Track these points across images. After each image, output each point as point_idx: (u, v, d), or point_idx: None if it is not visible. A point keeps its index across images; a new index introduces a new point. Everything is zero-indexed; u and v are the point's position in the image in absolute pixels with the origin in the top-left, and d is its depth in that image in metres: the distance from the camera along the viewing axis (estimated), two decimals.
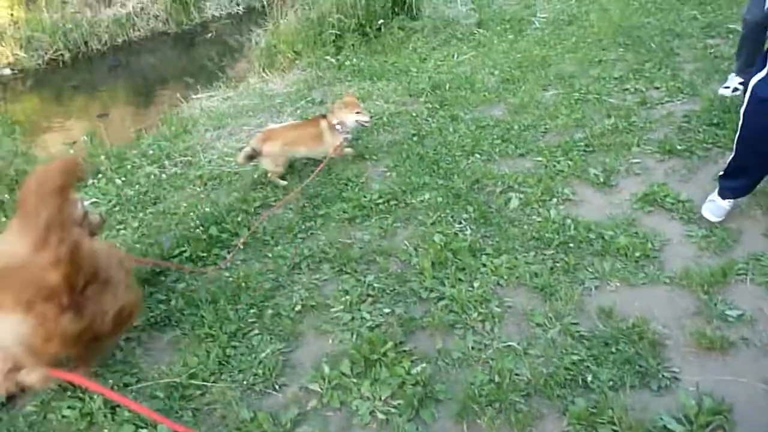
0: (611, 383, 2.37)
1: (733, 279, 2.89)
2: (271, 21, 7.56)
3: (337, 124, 4.12)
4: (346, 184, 4.00)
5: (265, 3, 9.96)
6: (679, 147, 3.98)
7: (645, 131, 4.27)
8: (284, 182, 4.10)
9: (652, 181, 3.70)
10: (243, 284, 3.11)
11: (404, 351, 2.62)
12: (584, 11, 7.27)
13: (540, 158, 4.06)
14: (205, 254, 3.43)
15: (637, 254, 3.07)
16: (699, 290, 2.83)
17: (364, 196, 3.81)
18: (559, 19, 7.09)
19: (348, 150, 4.37)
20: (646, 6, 7.21)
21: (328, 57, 6.50)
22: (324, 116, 4.21)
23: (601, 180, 3.74)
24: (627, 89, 4.94)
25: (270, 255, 3.36)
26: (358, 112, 4.16)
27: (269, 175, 4.11)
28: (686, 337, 2.59)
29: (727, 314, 2.68)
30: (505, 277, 3.01)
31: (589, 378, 2.40)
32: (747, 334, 2.58)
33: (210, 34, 10.35)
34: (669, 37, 6.03)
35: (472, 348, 2.62)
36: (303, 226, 3.60)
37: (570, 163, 3.92)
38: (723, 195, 3.28)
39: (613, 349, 2.53)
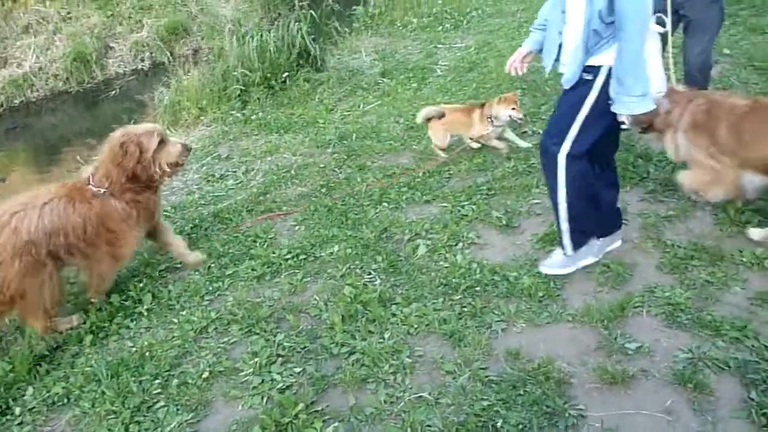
0: (520, 426, 2.40)
1: (630, 312, 3.01)
2: (174, 77, 7.48)
3: (491, 116, 4.55)
4: (254, 241, 3.96)
5: (168, 59, 9.86)
6: None
7: None
8: (444, 155, 4.83)
9: (551, 220, 3.83)
10: (147, 354, 3.00)
11: (316, 411, 2.58)
12: (483, 58, 7.55)
13: (445, 204, 4.14)
14: (106, 324, 3.30)
15: (541, 294, 3.16)
16: (599, 325, 2.93)
17: (273, 253, 3.78)
18: (459, 67, 7.34)
19: (497, 143, 4.70)
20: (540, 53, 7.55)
21: (233, 112, 6.49)
22: (482, 106, 4.67)
23: (504, 222, 3.85)
24: (525, 132, 5.14)
25: (176, 320, 3.27)
26: (513, 108, 4.52)
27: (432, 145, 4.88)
28: (590, 373, 2.67)
29: (626, 347, 2.78)
30: (416, 326, 3.03)
31: (499, 423, 2.42)
32: (646, 366, 2.68)
33: (114, 92, 10.12)
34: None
35: (385, 402, 2.61)
36: (210, 288, 3.53)
37: (474, 207, 4.02)
38: (579, 245, 3.27)
39: (521, 392, 2.57)
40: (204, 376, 2.84)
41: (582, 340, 2.88)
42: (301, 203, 4.39)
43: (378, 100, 6.52)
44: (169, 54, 10.58)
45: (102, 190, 3.31)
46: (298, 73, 7.18)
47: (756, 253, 3.31)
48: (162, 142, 3.46)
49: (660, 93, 3.15)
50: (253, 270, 3.63)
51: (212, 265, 3.73)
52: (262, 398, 2.68)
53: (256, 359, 2.89)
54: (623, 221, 3.58)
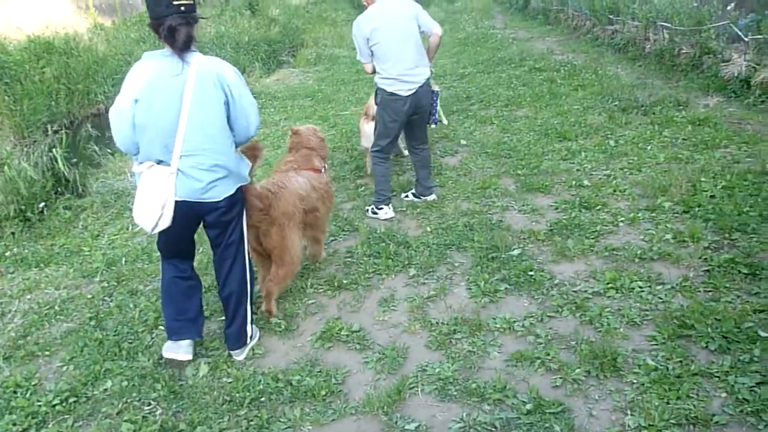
0: None
1: (407, 394, 3.21)
2: None
3: None
4: (15, 392, 3.59)
5: None
6: (345, 281, 4.38)
7: (316, 271, 4.63)
8: None
9: (328, 317, 4.00)
10: None
11: None
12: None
13: (222, 317, 4.11)
14: None
15: (323, 393, 3.25)
16: (380, 413, 3.07)
17: (38, 401, 3.45)
18: None
19: None
20: None
21: None
22: None
23: (283, 327, 3.93)
24: None
25: None
26: None
27: None
28: None
29: (406, 429, 2.95)
30: None
31: None
32: None
33: None
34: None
35: None
36: None
37: (253, 316, 4.04)
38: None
39: None
40: None
41: (366, 430, 2.99)
42: (68, 340, 4.09)
43: None
44: None
45: None
46: (57, 201, 6.78)
47: (506, 317, 3.73)
48: None
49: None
50: (14, 425, 3.27)
51: None
52: None
53: None
54: (393, 306, 3.88)
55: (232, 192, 3.38)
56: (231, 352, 3.67)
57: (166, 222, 3.20)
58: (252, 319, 3.71)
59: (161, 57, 3.20)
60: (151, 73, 3.16)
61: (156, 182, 3.16)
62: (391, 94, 5.15)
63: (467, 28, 18.75)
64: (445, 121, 7.60)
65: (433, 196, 5.72)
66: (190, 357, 3.60)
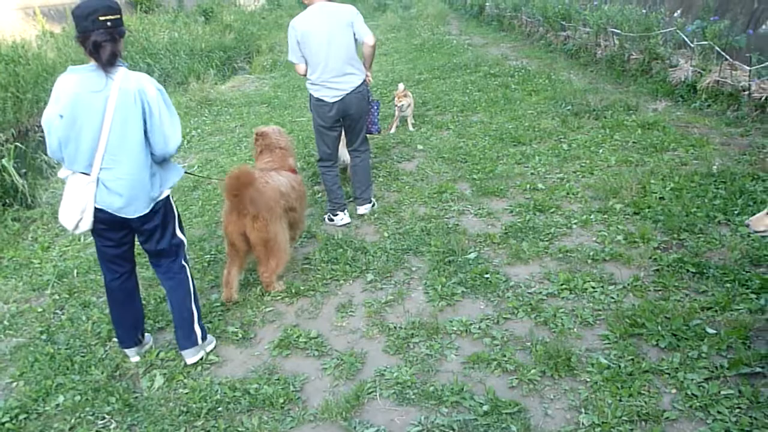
0: None
1: (365, 399, 3.21)
2: None
3: None
4: None
5: None
6: (302, 287, 4.37)
7: None
8: None
9: (286, 324, 3.98)
10: None
11: None
12: (207, 175, 7.68)
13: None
14: None
15: (282, 400, 3.23)
16: (339, 418, 3.07)
17: None
18: (183, 186, 7.36)
19: None
20: None
21: None
22: None
23: (240, 335, 3.89)
24: None
25: None
26: None
27: None
28: None
29: None
30: None
31: None
32: None
33: None
34: None
35: None
36: None
37: (209, 325, 4.00)
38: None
39: None
40: None
41: None
42: (18, 356, 3.98)
43: None
44: None
45: None
46: (5, 213, 6.62)
47: (463, 320, 3.77)
48: None
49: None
50: None
51: None
52: None
53: None
54: (351, 312, 3.89)
55: (147, 210, 3.40)
56: (182, 353, 3.71)
57: (86, 225, 3.33)
58: (199, 320, 3.71)
59: (86, 71, 3.22)
60: (75, 89, 3.20)
61: (77, 189, 3.28)
62: (318, 99, 5.16)
63: (423, 34, 18.88)
64: (412, 128, 7.91)
65: (363, 209, 5.61)
66: (136, 360, 3.77)
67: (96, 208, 3.30)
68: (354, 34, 5.11)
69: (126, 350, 3.78)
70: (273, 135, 4.80)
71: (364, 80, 5.25)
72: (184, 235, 3.69)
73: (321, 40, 5.00)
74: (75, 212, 3.28)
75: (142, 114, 3.25)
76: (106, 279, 3.66)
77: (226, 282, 4.23)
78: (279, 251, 4.24)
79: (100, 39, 3.12)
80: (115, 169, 3.28)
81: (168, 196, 3.53)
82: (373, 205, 5.67)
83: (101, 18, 3.12)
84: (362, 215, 5.55)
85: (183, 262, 3.66)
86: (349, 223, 5.42)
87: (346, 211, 5.49)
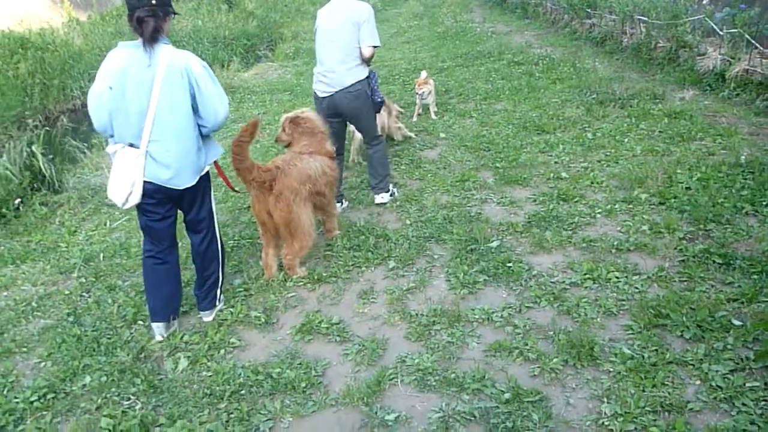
0: None
1: (387, 384, 3.23)
2: None
3: None
4: None
5: None
6: (325, 274, 4.39)
7: None
8: None
9: (308, 310, 4.01)
10: None
11: None
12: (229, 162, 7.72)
13: (200, 314, 4.11)
14: None
15: (303, 385, 3.26)
16: (361, 403, 3.09)
17: (15, 398, 3.42)
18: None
19: None
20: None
21: None
22: None
23: (263, 320, 3.93)
24: None
25: None
26: None
27: None
28: None
29: (386, 420, 2.97)
30: None
31: None
32: None
33: None
34: None
35: None
36: None
37: (232, 310, 4.04)
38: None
39: None
40: None
41: (346, 421, 3.01)
42: (46, 337, 4.06)
43: (125, 216, 6.31)
44: None
45: None
46: (34, 197, 6.73)
47: (485, 308, 3.76)
48: None
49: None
50: None
51: None
52: None
53: None
54: (373, 299, 3.92)
55: (194, 182, 3.65)
56: (201, 312, 4.04)
57: (135, 199, 3.52)
58: (222, 285, 4.06)
59: (134, 48, 3.46)
60: (123, 63, 3.43)
61: (126, 162, 3.46)
62: (314, 91, 5.35)
63: (446, 21, 18.75)
64: (434, 116, 7.93)
65: (380, 198, 5.59)
66: (160, 338, 3.85)
67: (144, 181, 3.48)
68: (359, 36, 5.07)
69: (154, 324, 3.87)
70: (313, 119, 4.83)
71: (363, 80, 5.16)
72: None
73: (324, 35, 5.13)
74: (125, 186, 3.46)
75: (189, 89, 3.47)
76: (145, 251, 3.83)
77: (266, 264, 4.45)
78: (302, 234, 4.28)
79: (143, 15, 3.36)
80: (162, 142, 3.48)
81: (208, 169, 3.79)
82: (392, 194, 5.66)
83: None
84: (381, 204, 5.55)
85: (216, 229, 3.94)
86: (344, 208, 5.57)
87: (343, 200, 5.64)
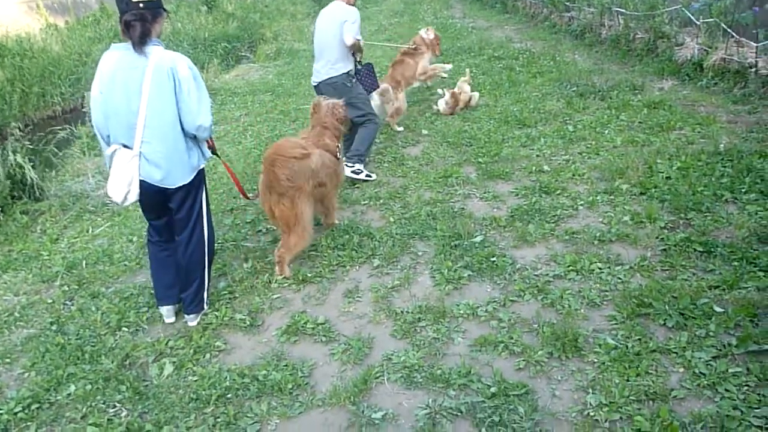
0: None
1: (373, 383, 3.23)
2: None
3: None
4: None
5: None
6: (310, 274, 4.38)
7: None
8: None
9: (293, 311, 4.00)
10: None
11: None
12: (212, 164, 7.69)
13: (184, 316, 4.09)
14: None
15: (290, 386, 3.25)
16: (347, 403, 3.09)
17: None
18: None
19: None
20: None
21: None
22: None
23: (248, 323, 3.91)
24: (260, 231, 5.30)
25: None
26: None
27: None
28: None
29: (373, 418, 2.97)
30: None
31: None
32: (392, 431, 2.88)
33: None
34: None
35: None
36: None
37: (217, 313, 4.03)
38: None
39: None
40: None
41: (334, 421, 3.01)
42: (29, 347, 4.02)
43: (108, 222, 6.27)
44: None
45: None
46: (14, 206, 6.64)
47: (470, 303, 3.77)
48: None
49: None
50: None
51: None
52: None
53: None
54: (358, 297, 3.91)
55: (187, 181, 3.72)
56: (186, 316, 4.03)
57: (133, 197, 3.61)
58: (208, 288, 4.04)
59: (124, 49, 3.52)
60: (114, 65, 3.51)
61: (123, 163, 3.55)
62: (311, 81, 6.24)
63: (426, 18, 18.74)
64: (399, 129, 7.62)
65: (347, 170, 5.83)
66: (171, 320, 4.06)
67: (140, 180, 3.59)
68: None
69: (161, 308, 4.06)
70: (323, 108, 4.96)
71: (342, 74, 5.92)
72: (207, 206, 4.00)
73: (317, 33, 6.04)
74: (123, 185, 3.56)
75: (174, 90, 3.50)
76: (148, 234, 4.02)
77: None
78: (301, 230, 4.33)
79: (129, 19, 3.43)
80: (153, 143, 3.56)
81: (203, 168, 3.88)
82: (357, 173, 6.01)
83: (134, 0, 3.43)
84: (368, 200, 5.56)
85: (205, 232, 3.93)
86: None
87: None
